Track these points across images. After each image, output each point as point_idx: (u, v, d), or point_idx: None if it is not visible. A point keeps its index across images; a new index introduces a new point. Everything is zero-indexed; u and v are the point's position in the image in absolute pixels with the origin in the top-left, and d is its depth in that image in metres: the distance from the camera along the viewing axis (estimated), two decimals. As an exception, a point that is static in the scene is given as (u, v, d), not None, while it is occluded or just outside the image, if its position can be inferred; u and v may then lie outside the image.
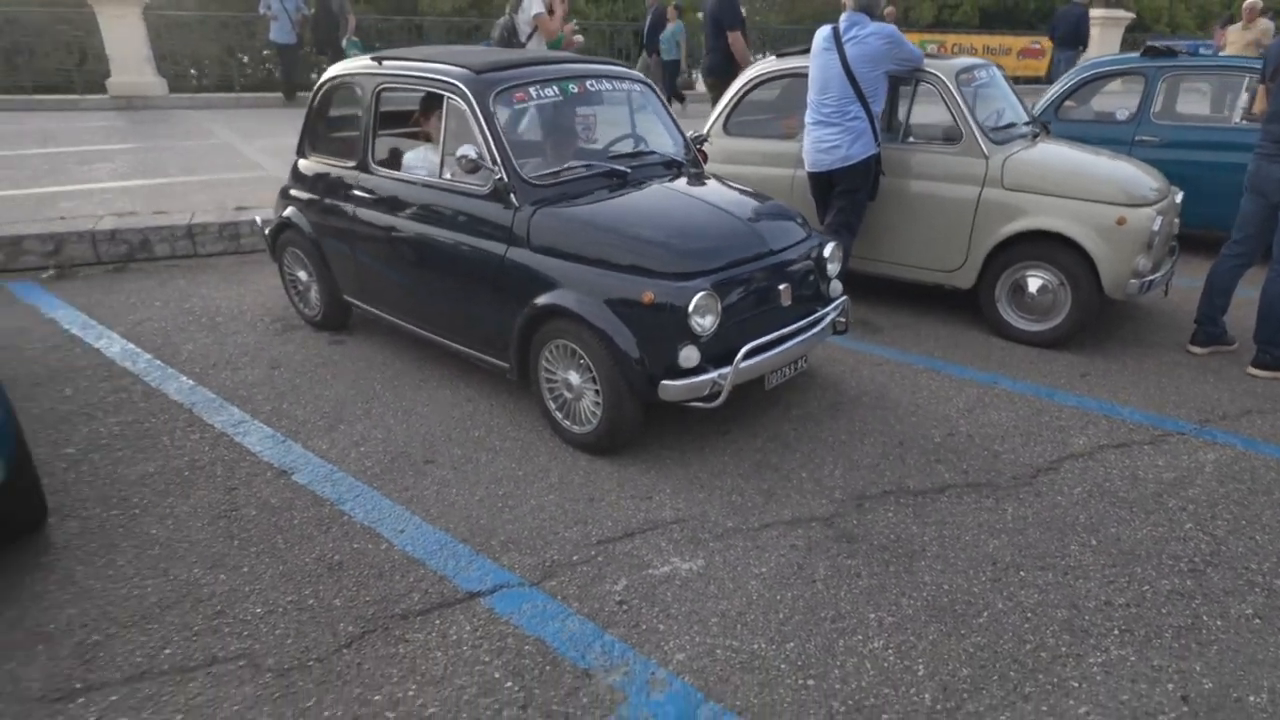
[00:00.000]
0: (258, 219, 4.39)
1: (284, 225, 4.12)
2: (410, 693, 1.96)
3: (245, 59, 13.34)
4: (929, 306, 4.66)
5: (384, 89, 3.53)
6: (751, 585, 2.33)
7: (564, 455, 3.04)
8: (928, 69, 4.25)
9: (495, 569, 2.40)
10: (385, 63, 3.55)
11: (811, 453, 3.05)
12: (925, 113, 4.52)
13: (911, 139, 4.44)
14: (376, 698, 1.94)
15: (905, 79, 4.36)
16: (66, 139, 8.59)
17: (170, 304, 4.56)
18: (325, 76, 3.90)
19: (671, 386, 2.76)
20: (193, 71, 13.06)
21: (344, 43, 11.22)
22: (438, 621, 2.19)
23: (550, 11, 5.92)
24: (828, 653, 2.08)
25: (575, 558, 2.45)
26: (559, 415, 3.09)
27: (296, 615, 2.21)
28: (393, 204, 3.47)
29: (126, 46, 10.91)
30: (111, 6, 10.65)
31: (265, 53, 13.17)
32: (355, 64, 3.77)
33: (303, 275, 4.14)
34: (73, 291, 4.71)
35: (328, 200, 3.83)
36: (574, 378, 2.96)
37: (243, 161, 7.65)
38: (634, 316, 2.77)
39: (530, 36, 5.91)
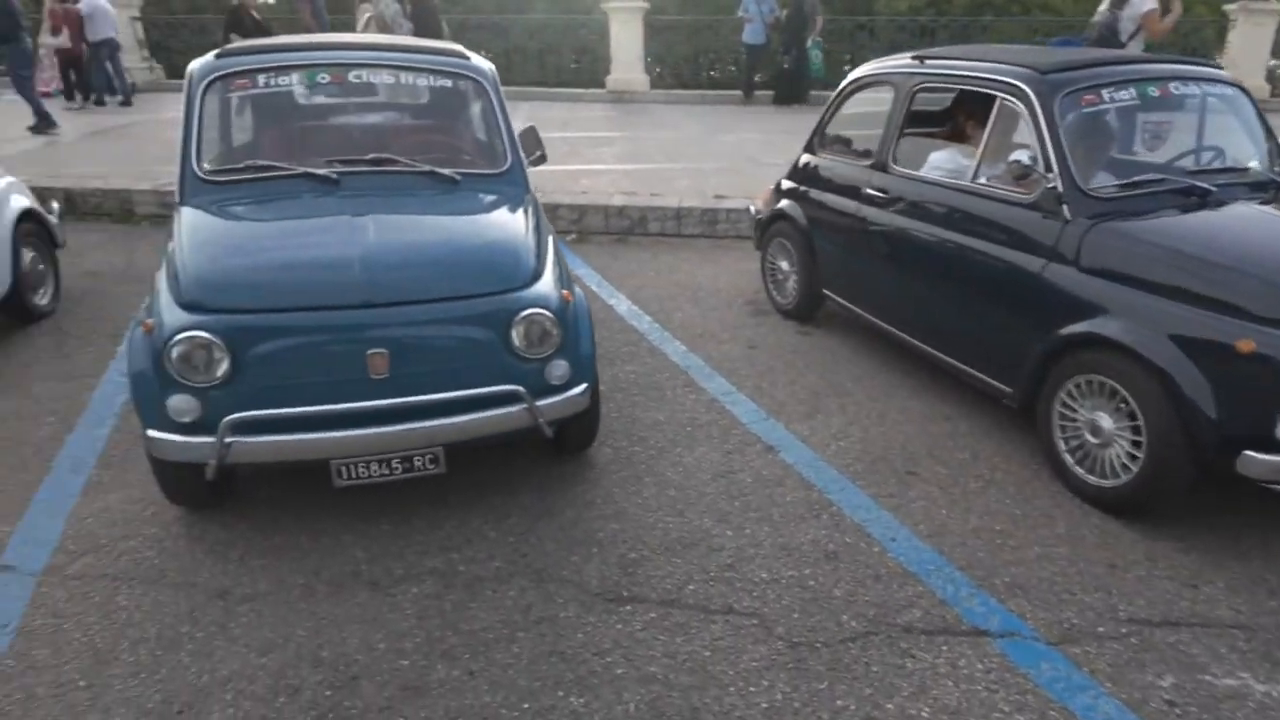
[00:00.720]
0: (752, 208, 4.72)
1: (777, 216, 4.36)
2: (924, 714, 1.88)
3: (710, 58, 14.62)
4: None
5: (922, 88, 3.47)
6: (1377, 747, 1.77)
7: (1069, 505, 2.69)
8: None
9: (1002, 611, 2.21)
10: (927, 61, 3.47)
11: None
12: None
13: None
14: (889, 705, 1.91)
15: None
16: (577, 126, 10.35)
17: (661, 275, 5.17)
18: (855, 74, 3.98)
19: (1258, 460, 2.24)
20: (657, 70, 14.73)
21: (809, 43, 11.64)
22: (944, 648, 2.08)
23: (1165, 10, 5.24)
24: None
25: (1100, 630, 2.13)
26: (1070, 459, 2.74)
27: (799, 592, 2.29)
28: (907, 205, 3.41)
29: (626, 47, 12.77)
30: (622, 13, 12.53)
31: (715, 54, 14.32)
32: (890, 62, 3.77)
33: (784, 265, 4.34)
34: (588, 254, 5.62)
35: (830, 196, 3.93)
36: (1104, 421, 2.58)
37: (709, 154, 8.39)
38: (1216, 365, 2.30)
39: (1133, 36, 5.30)
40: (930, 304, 3.33)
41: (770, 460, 2.98)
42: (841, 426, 3.23)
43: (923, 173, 3.42)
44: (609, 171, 7.27)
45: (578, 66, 14.25)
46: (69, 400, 3.39)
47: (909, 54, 3.66)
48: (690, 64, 14.44)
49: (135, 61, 13.22)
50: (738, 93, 12.83)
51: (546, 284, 2.56)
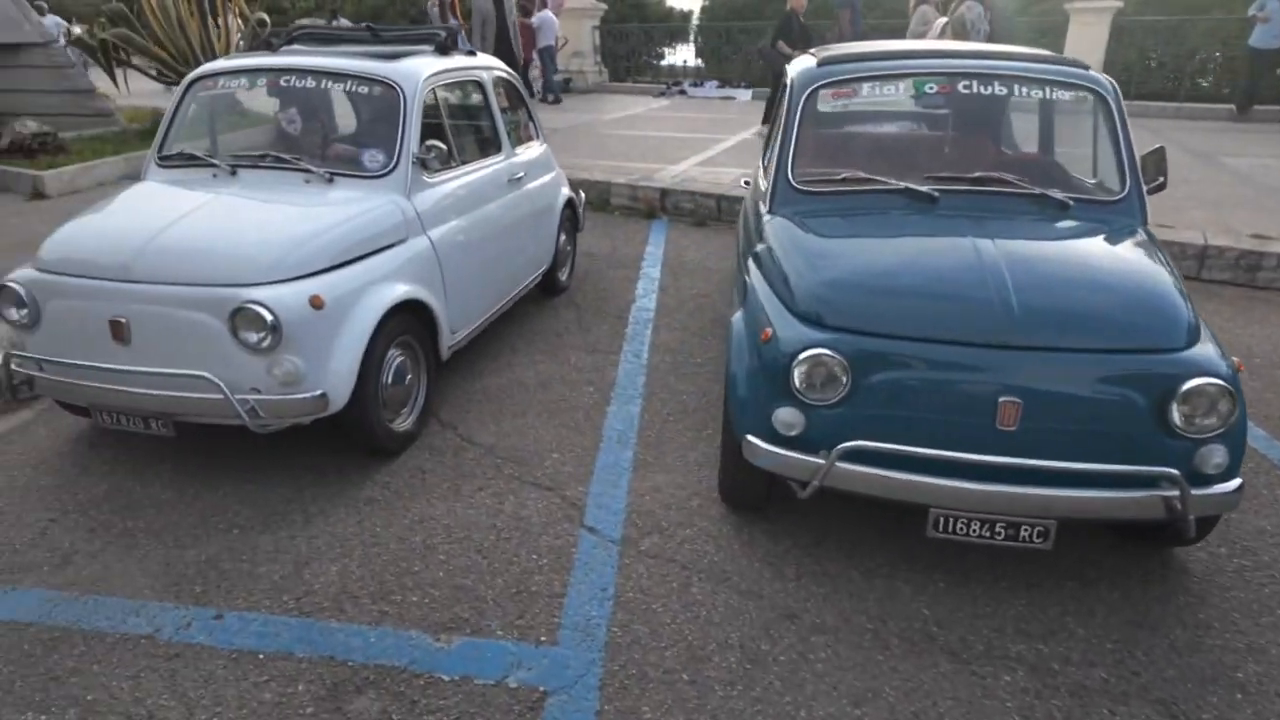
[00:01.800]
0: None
1: None
2: None
3: (1200, 60, 12.18)
4: None
5: None
6: None
7: None
8: None
9: None
10: None
11: None
12: None
13: None
14: None
15: None
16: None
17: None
18: None
19: None
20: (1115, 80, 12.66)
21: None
22: None
23: None
24: None
25: None
26: None
27: None
28: None
29: (1083, 51, 11.15)
30: (1086, 14, 10.99)
31: (1197, 56, 11.82)
32: None
33: None
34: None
35: None
36: None
37: (1213, 181, 6.88)
38: None
39: None
40: None
41: None
42: None
43: None
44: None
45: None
46: (598, 372, 3.74)
47: None
48: (1157, 70, 12.17)
49: (589, 65, 15.14)
50: (1224, 106, 10.51)
51: (1211, 346, 2.06)
